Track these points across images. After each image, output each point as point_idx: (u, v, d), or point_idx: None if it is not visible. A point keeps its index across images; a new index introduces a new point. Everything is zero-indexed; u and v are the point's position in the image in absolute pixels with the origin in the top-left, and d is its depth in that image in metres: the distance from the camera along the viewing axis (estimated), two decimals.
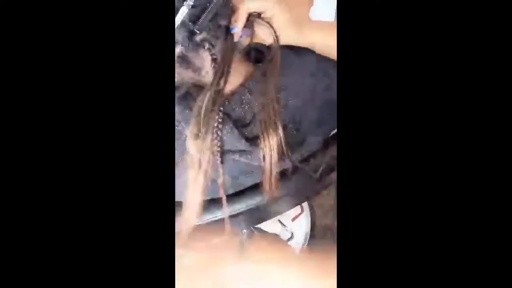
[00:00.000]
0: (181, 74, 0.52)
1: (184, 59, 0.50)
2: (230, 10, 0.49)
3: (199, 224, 0.57)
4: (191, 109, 0.51)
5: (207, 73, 0.51)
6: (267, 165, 0.52)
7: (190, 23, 0.46)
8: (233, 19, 0.49)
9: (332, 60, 0.56)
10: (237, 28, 0.49)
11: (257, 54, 0.59)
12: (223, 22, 0.48)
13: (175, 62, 0.49)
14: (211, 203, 0.61)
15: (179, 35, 0.47)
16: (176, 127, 0.54)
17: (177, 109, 0.53)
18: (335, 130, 0.59)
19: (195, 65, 0.51)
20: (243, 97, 0.54)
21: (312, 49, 0.56)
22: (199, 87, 0.52)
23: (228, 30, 0.51)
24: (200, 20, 0.46)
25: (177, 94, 0.53)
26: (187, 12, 0.45)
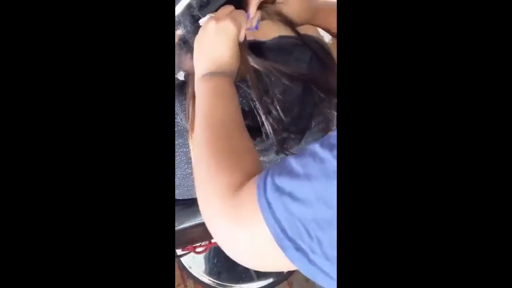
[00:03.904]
0: (180, 58, 0.51)
1: (185, 43, 0.50)
2: (241, 2, 0.48)
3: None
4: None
5: None
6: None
7: (196, 8, 0.46)
8: (250, 10, 0.48)
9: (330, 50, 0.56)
10: (254, 20, 0.48)
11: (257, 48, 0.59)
12: None
13: (176, 44, 0.49)
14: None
15: (183, 18, 0.47)
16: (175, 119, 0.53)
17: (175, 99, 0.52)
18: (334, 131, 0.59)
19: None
20: (241, 90, 0.54)
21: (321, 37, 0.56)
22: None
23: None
24: (207, 8, 0.46)
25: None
26: None
